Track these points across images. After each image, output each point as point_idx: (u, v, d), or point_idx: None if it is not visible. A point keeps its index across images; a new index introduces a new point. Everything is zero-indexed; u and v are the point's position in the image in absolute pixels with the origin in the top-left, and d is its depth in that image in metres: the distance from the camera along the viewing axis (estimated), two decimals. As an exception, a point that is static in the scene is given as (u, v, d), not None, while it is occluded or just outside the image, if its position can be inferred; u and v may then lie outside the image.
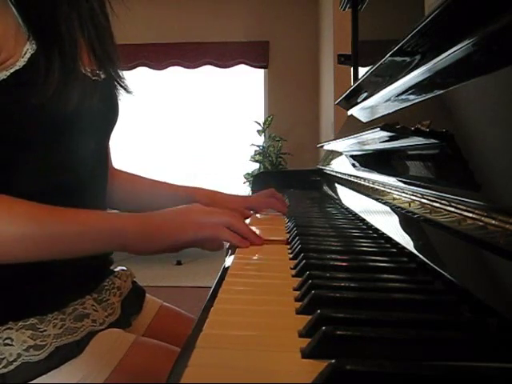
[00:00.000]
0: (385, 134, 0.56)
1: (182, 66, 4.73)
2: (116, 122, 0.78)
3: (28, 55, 0.57)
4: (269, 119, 4.54)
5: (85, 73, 0.66)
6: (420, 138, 0.49)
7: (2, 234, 0.51)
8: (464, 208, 0.39)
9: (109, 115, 0.75)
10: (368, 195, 0.79)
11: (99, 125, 0.72)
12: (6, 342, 0.56)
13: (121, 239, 0.57)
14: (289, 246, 0.62)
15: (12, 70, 0.56)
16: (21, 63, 0.56)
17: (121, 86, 0.77)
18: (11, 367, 0.55)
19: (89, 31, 0.69)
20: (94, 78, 0.68)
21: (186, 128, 4.94)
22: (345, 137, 0.87)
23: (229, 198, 0.91)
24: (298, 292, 0.42)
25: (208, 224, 0.58)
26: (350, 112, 1.29)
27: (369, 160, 0.85)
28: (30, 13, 0.58)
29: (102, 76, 0.71)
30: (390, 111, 0.72)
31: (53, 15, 0.60)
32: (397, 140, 0.58)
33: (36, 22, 0.58)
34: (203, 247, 0.60)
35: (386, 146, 0.66)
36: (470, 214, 0.38)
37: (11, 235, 0.52)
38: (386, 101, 0.81)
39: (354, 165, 0.99)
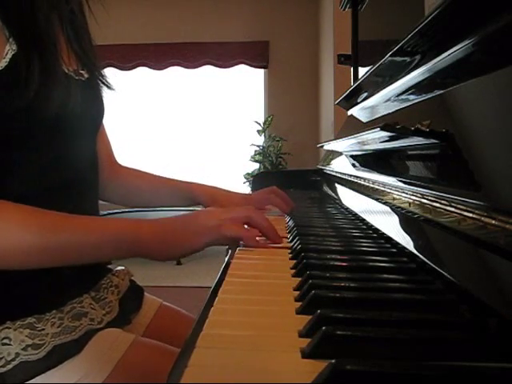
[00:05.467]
0: (385, 134, 0.56)
1: (181, 66, 4.73)
2: (102, 120, 0.78)
3: (9, 56, 0.56)
4: (269, 119, 4.54)
5: (68, 73, 0.65)
6: (420, 138, 0.49)
7: (18, 243, 0.52)
8: (464, 208, 0.39)
9: (95, 114, 0.75)
10: (368, 195, 0.79)
11: (86, 124, 0.72)
12: (4, 341, 0.56)
13: (135, 248, 0.57)
14: (289, 246, 0.62)
15: None
16: (2, 64, 0.55)
17: (103, 83, 0.77)
18: (9, 366, 0.55)
19: (68, 32, 0.69)
20: (77, 78, 0.68)
21: (186, 128, 4.94)
22: (345, 137, 0.87)
23: (230, 197, 0.91)
24: (297, 292, 0.42)
25: (222, 227, 0.58)
26: (350, 112, 1.29)
27: (369, 160, 0.85)
28: (8, 13, 0.57)
29: (86, 75, 0.71)
30: (390, 111, 0.72)
31: (32, 16, 0.59)
32: (397, 140, 0.58)
33: (15, 22, 0.58)
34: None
35: (386, 146, 0.66)
36: (470, 214, 0.38)
37: (28, 245, 0.52)
38: (386, 101, 0.81)
39: (354, 165, 0.99)
